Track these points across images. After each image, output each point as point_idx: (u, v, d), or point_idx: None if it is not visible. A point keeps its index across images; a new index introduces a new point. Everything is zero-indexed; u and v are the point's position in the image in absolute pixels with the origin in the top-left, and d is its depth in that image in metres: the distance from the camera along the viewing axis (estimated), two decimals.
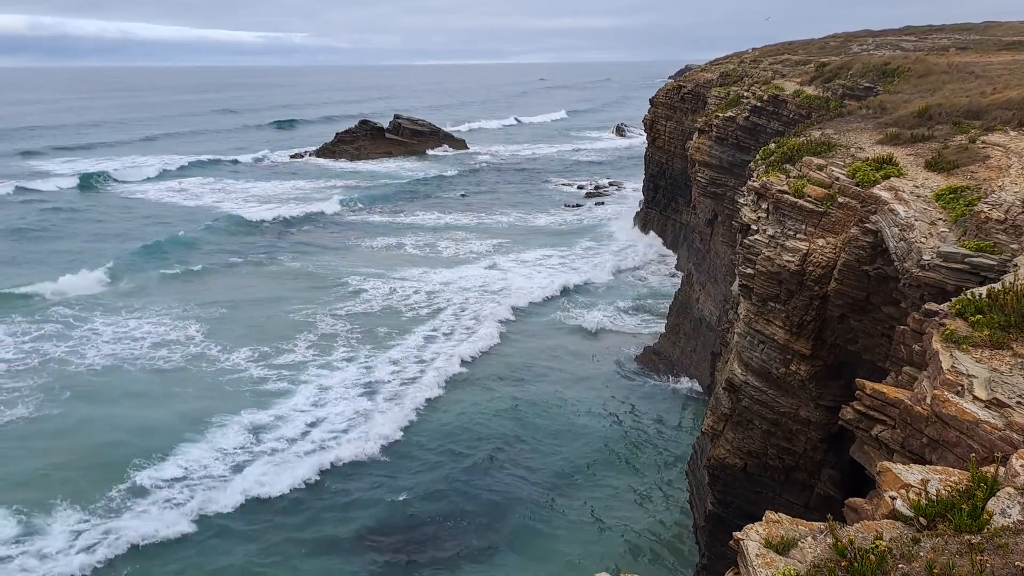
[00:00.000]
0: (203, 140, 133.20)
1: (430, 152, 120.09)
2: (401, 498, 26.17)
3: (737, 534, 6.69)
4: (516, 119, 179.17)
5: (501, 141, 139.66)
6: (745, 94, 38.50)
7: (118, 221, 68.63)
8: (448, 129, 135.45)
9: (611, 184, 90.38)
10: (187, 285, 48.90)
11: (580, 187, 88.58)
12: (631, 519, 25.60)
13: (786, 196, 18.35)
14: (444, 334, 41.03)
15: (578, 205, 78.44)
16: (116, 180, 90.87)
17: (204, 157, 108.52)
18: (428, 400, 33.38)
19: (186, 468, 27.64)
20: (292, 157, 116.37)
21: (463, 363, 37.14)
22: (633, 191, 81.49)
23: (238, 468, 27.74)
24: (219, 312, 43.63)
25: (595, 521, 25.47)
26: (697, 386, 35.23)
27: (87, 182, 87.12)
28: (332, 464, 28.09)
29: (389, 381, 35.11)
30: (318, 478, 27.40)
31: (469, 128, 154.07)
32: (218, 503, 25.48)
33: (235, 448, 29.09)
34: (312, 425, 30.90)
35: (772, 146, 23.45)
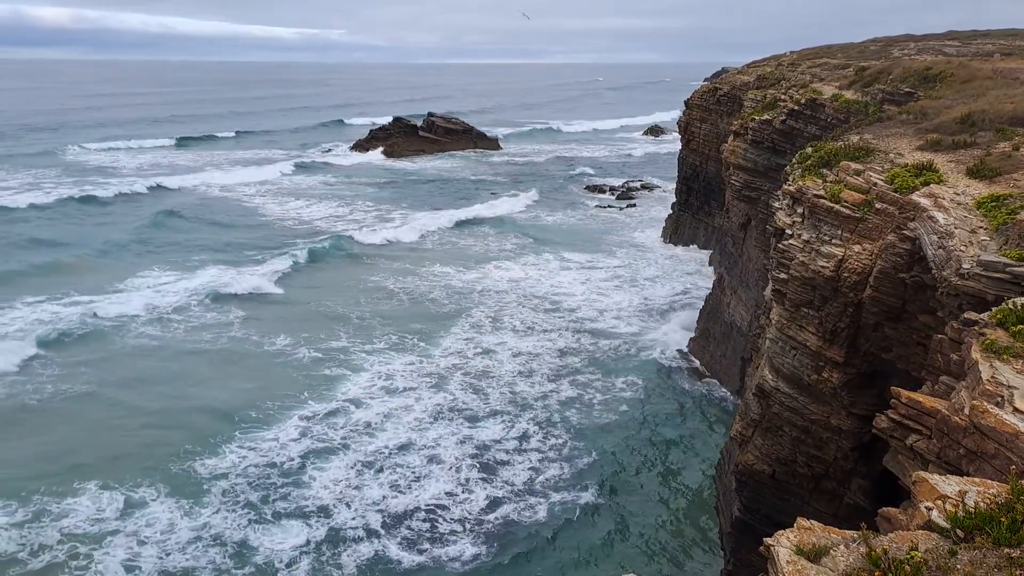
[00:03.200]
0: (278, 139, 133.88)
1: (462, 151, 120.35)
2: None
3: (768, 540, 6.60)
4: (552, 124, 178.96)
5: (539, 142, 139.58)
6: (782, 97, 38.05)
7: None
8: (494, 131, 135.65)
9: (643, 187, 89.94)
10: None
11: (612, 189, 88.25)
12: (656, 522, 25.47)
13: (822, 201, 18.11)
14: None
15: (609, 206, 78.15)
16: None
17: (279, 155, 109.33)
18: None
19: None
20: (326, 152, 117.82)
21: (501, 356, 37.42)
22: (665, 193, 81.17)
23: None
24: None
25: (619, 523, 25.38)
26: (726, 391, 34.94)
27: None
28: None
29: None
30: None
31: (511, 131, 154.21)
32: None
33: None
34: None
35: (809, 150, 23.16)
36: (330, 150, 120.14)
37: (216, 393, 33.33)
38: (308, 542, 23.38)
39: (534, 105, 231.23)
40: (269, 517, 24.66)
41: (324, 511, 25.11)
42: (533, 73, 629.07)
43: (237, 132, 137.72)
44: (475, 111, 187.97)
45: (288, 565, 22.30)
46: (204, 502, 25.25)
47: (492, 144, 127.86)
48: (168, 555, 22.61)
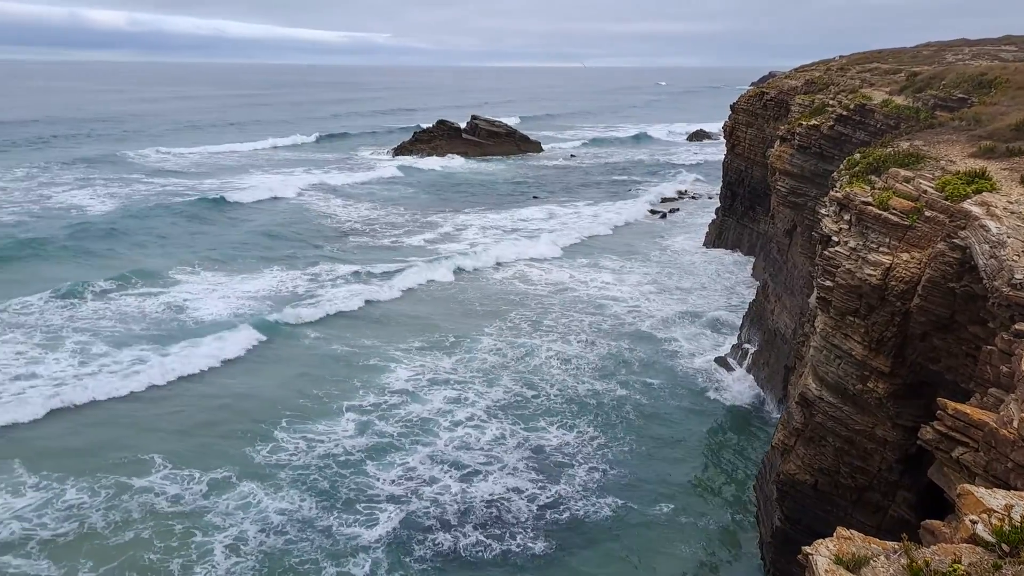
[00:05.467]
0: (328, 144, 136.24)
1: (505, 154, 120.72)
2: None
3: (806, 548, 6.57)
4: (595, 128, 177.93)
5: (583, 145, 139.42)
6: (831, 102, 37.47)
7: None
8: (536, 134, 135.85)
9: (687, 192, 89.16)
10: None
11: (656, 194, 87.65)
12: (694, 529, 25.26)
13: (870, 208, 17.83)
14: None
15: (652, 211, 77.60)
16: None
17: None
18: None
19: None
20: (370, 155, 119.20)
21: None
22: (708, 199, 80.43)
23: None
24: None
25: (657, 528, 25.22)
26: (768, 399, 34.50)
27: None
28: None
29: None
30: None
31: (553, 134, 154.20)
32: None
33: None
34: None
35: (857, 156, 22.80)
36: (374, 152, 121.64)
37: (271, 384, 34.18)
38: (383, 530, 24.23)
39: (577, 109, 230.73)
40: (343, 504, 25.53)
41: (394, 499, 25.91)
42: (576, 76, 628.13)
43: (319, 136, 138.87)
44: (519, 114, 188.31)
45: (368, 550, 23.10)
46: (282, 487, 26.06)
47: (535, 147, 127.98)
48: (264, 533, 23.60)
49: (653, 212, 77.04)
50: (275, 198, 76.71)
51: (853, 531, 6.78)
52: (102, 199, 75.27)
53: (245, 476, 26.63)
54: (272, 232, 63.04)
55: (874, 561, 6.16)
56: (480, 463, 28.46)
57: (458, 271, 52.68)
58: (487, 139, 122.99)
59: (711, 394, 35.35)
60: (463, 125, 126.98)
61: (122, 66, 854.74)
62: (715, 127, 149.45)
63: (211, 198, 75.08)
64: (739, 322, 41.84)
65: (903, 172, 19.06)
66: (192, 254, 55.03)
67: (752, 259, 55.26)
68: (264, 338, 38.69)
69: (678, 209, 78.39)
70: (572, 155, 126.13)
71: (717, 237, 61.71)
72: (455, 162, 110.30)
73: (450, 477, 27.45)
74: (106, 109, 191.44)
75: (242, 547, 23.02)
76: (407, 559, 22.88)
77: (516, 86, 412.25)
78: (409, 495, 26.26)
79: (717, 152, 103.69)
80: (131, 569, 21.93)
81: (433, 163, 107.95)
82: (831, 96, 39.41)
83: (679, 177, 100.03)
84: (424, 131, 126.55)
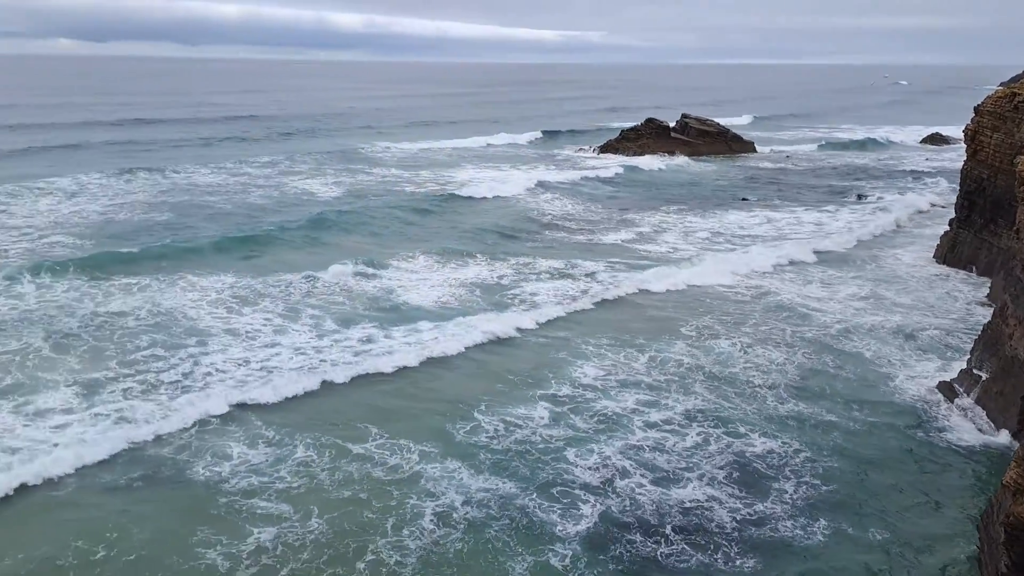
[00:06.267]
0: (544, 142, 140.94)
1: (715, 154, 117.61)
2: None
3: None
4: (819, 129, 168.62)
5: (804, 147, 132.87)
6: None
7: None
8: (751, 135, 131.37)
9: (916, 200, 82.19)
10: None
11: (882, 201, 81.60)
12: (912, 564, 23.49)
13: None
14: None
15: (869, 219, 72.37)
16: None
17: None
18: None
19: None
20: (575, 152, 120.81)
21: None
22: (942, 208, 73.75)
23: None
24: None
25: (872, 558, 23.69)
26: (1001, 433, 31.24)
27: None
28: None
29: None
30: None
31: (772, 135, 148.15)
32: None
33: None
34: None
35: None
36: (580, 149, 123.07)
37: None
38: (581, 524, 24.52)
39: (801, 109, 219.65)
40: (540, 489, 26.35)
41: (591, 490, 26.35)
42: (801, 74, 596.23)
43: (530, 134, 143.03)
44: (736, 113, 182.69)
45: (565, 542, 23.59)
46: (483, 466, 27.50)
47: (748, 147, 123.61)
48: (468, 506, 25.06)
49: (869, 219, 71.82)
50: (492, 196, 79.55)
51: None
52: (329, 186, 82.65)
53: (448, 453, 28.32)
54: (484, 226, 65.96)
55: None
56: (678, 467, 28.19)
57: (659, 277, 51.66)
58: (697, 138, 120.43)
59: (932, 422, 32.59)
60: (672, 124, 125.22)
61: (358, 65, 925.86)
62: (953, 131, 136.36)
63: (431, 192, 79.91)
64: (968, 346, 38.13)
65: None
66: (407, 243, 58.91)
67: (988, 278, 50.09)
68: (482, 340, 39.70)
69: (905, 218, 72.51)
70: (787, 155, 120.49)
71: (949, 251, 56.45)
72: (662, 161, 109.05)
73: (646, 478, 27.40)
74: (341, 106, 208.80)
75: (449, 516, 24.55)
76: (603, 556, 23.08)
77: (733, 84, 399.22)
78: (606, 488, 26.56)
79: (955, 159, 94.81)
80: (351, 521, 24.17)
81: (639, 162, 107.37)
82: None
83: (909, 184, 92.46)
84: (631, 129, 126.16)
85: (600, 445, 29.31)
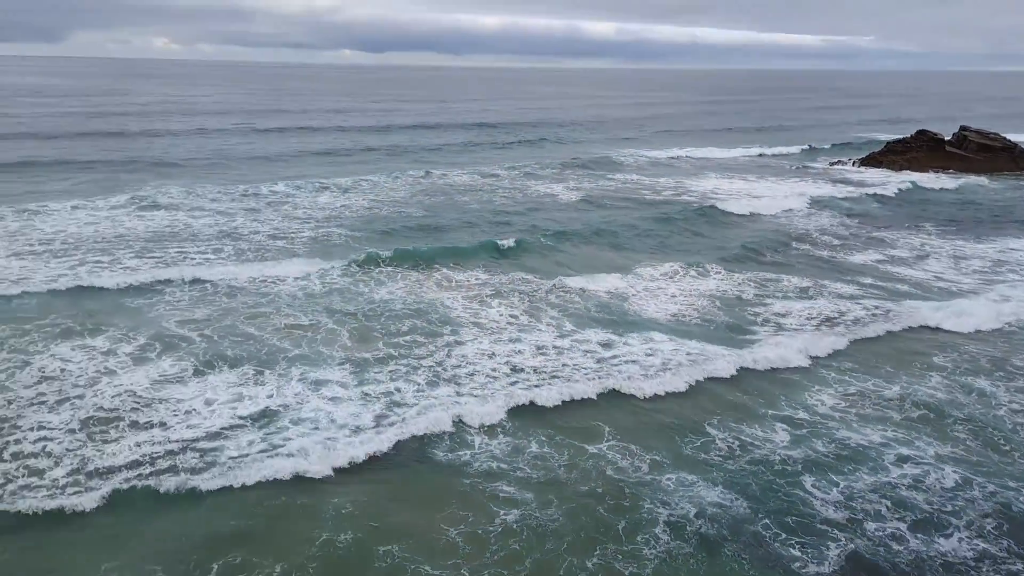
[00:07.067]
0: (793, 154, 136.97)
1: (996, 171, 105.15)
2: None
3: None
4: None
5: None
6: None
7: None
8: None
9: None
10: None
11: None
12: None
13: None
14: None
15: None
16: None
17: None
18: None
19: None
20: (831, 165, 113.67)
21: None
22: None
23: None
24: None
25: None
26: None
27: None
28: None
29: None
30: None
31: None
32: None
33: None
34: None
35: None
36: (838, 162, 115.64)
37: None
38: (827, 566, 23.28)
39: None
40: (774, 515, 25.66)
41: (835, 526, 25.11)
42: None
43: (798, 141, 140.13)
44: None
45: None
46: (716, 482, 27.44)
47: None
48: (700, 520, 25.04)
49: None
50: (738, 209, 77.52)
51: None
52: (570, 191, 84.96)
53: (680, 464, 28.49)
54: (728, 238, 64.65)
55: None
56: (937, 512, 25.91)
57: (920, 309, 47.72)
58: (977, 153, 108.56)
59: None
60: (948, 137, 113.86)
61: (609, 72, 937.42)
62: None
63: (672, 200, 79.51)
64: None
65: None
66: (646, 251, 59.27)
67: None
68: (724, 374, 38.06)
69: None
70: None
71: None
72: (934, 177, 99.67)
73: (900, 520, 25.46)
74: (589, 112, 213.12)
75: (683, 528, 24.64)
76: None
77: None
78: (853, 527, 25.02)
79: None
80: (586, 514, 25.27)
81: (906, 177, 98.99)
82: None
83: None
84: (899, 141, 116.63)
85: (844, 477, 27.87)
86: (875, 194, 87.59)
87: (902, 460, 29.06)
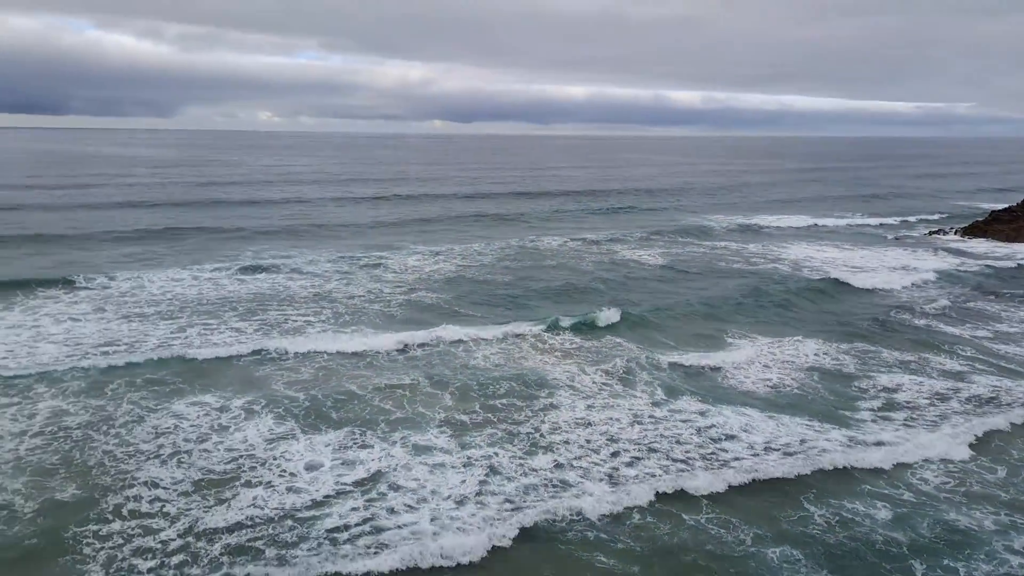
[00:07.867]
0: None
1: None
2: None
3: None
4: None
5: None
6: None
7: None
8: None
9: None
10: None
11: None
12: None
13: None
14: None
15: None
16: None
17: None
18: None
19: None
20: (930, 234, 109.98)
21: None
22: None
23: None
24: None
25: None
26: None
27: None
28: None
29: None
30: None
31: None
32: None
33: None
34: None
35: None
36: (938, 231, 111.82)
37: None
38: None
39: None
40: None
41: None
42: None
43: (891, 210, 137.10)
44: None
45: None
46: (817, 558, 26.99)
47: None
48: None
49: None
50: (830, 276, 76.18)
51: None
52: (656, 256, 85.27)
53: (781, 538, 27.99)
54: (820, 308, 63.44)
55: None
56: None
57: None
58: None
59: None
60: None
61: (696, 140, 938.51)
62: None
63: (757, 269, 78.71)
64: None
65: None
66: (735, 319, 58.72)
67: None
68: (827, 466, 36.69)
69: None
70: None
71: None
72: None
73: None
74: (678, 180, 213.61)
75: None
76: None
77: None
78: None
79: None
80: None
81: (1014, 249, 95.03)
82: None
83: None
84: (1005, 210, 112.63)
85: (954, 563, 26.88)
86: (994, 267, 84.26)
87: (1013, 552, 27.70)
